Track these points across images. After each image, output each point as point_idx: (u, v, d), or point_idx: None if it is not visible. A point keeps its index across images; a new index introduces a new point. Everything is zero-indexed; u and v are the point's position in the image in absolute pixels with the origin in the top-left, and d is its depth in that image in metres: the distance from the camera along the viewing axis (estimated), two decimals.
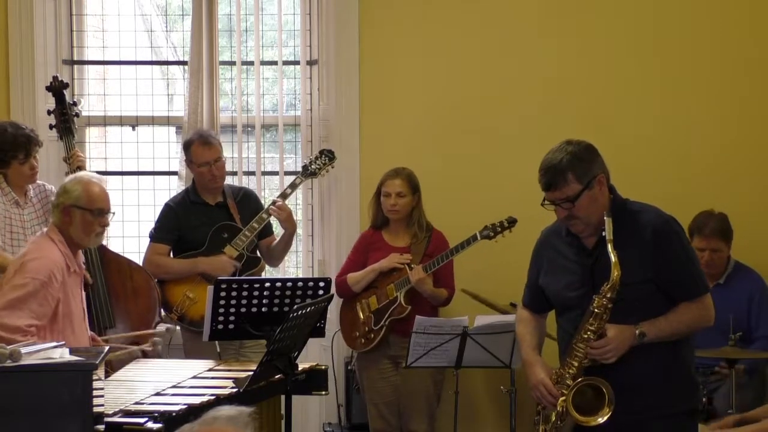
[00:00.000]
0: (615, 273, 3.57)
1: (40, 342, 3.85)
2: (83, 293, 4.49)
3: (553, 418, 3.72)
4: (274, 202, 5.60)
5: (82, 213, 4.30)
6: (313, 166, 5.70)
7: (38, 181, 5.27)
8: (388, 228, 5.57)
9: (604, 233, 3.62)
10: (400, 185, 5.47)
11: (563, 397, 3.67)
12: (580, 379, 3.66)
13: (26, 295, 4.13)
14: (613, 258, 3.57)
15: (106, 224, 4.43)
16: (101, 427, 3.41)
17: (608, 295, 3.58)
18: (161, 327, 5.06)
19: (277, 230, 5.82)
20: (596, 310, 3.60)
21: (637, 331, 3.61)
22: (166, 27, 6.67)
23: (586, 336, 3.63)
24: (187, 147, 5.62)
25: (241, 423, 2.22)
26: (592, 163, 3.69)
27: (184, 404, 3.73)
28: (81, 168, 5.37)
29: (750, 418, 4.25)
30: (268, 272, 6.05)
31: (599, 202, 3.69)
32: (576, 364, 3.66)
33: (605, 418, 3.60)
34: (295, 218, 5.72)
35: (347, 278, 5.53)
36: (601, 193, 3.70)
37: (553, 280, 3.86)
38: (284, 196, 5.64)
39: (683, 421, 3.76)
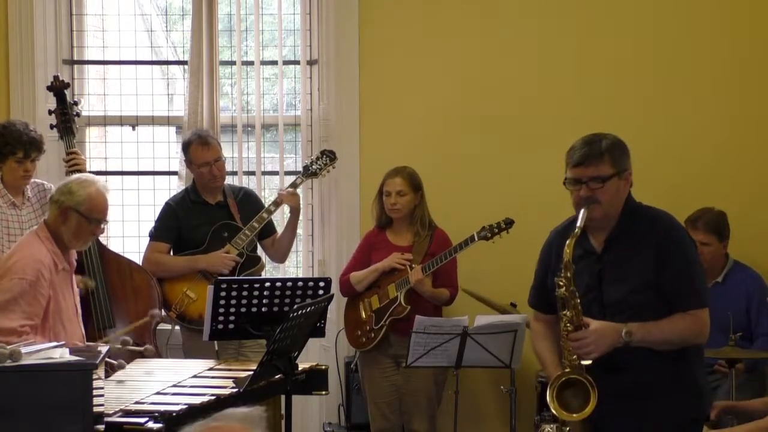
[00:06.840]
0: (567, 251, 3.55)
1: (40, 342, 3.86)
2: (75, 290, 4.48)
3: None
4: (288, 188, 5.62)
5: (79, 219, 4.28)
6: (314, 167, 5.69)
7: (37, 180, 5.27)
8: (392, 227, 5.57)
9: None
10: (401, 183, 5.47)
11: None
12: (559, 373, 3.60)
13: (16, 296, 4.11)
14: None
15: (98, 234, 4.43)
16: (101, 427, 3.41)
17: (566, 275, 3.55)
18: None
19: (279, 229, 5.83)
20: (558, 293, 3.57)
21: (623, 330, 3.53)
22: (166, 27, 6.67)
23: (566, 329, 3.58)
24: (185, 148, 5.62)
25: (252, 421, 2.21)
26: (626, 157, 3.72)
27: (185, 404, 3.74)
28: (80, 171, 5.36)
29: (741, 408, 4.20)
30: (268, 272, 6.05)
31: (621, 196, 3.69)
32: (567, 363, 3.60)
33: (586, 415, 3.52)
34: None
35: (350, 277, 5.53)
36: (625, 190, 3.70)
37: None
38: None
39: (687, 429, 3.72)
